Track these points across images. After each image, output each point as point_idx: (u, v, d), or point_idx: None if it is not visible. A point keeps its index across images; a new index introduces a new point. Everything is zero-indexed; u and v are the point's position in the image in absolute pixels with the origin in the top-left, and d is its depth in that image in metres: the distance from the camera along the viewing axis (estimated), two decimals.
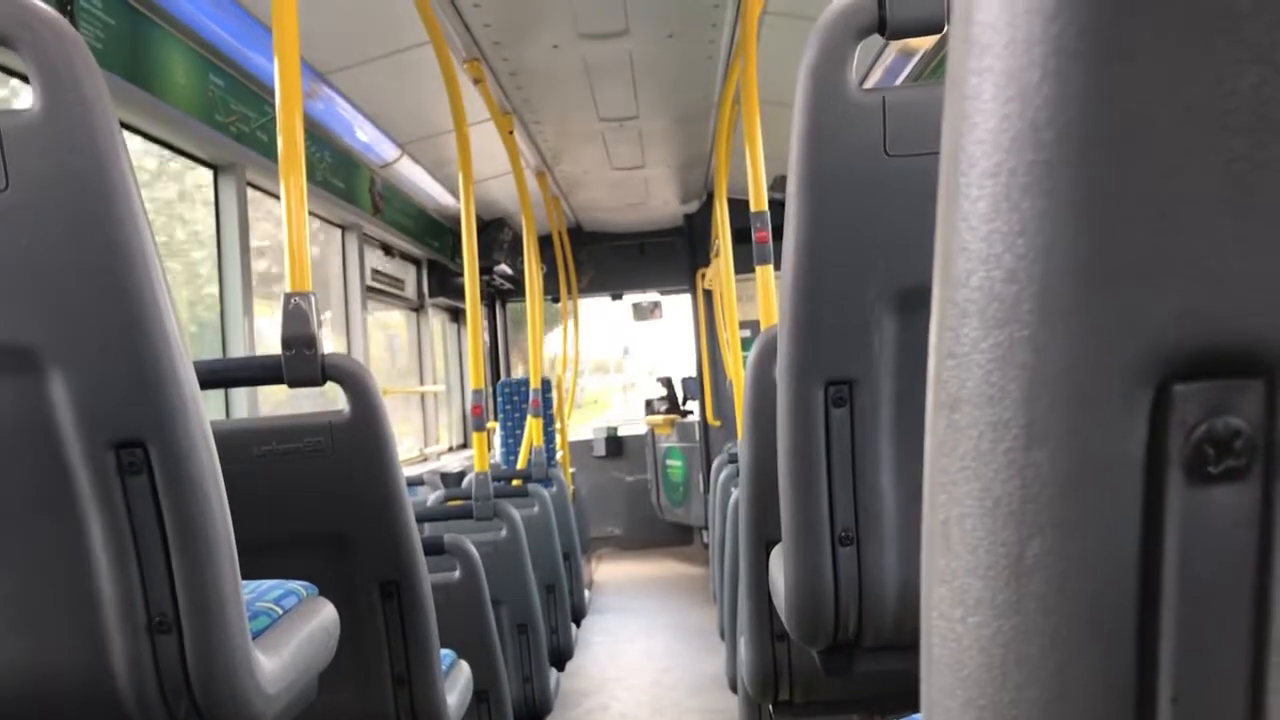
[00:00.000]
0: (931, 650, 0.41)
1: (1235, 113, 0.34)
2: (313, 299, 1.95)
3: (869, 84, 4.07)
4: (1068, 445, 0.36)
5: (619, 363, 13.02)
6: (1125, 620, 0.37)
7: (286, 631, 1.47)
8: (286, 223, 2.03)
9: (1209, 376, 0.35)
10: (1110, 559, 0.37)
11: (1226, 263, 0.34)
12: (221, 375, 2.14)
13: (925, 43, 3.65)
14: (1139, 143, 0.34)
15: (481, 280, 7.28)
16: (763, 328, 2.97)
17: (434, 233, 6.96)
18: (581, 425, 9.80)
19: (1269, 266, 0.34)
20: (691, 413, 9.02)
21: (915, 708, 1.20)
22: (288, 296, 1.95)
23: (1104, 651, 0.37)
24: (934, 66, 3.77)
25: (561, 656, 4.63)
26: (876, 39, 1.31)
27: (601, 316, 10.01)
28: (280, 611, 1.50)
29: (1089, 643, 0.37)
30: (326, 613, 1.63)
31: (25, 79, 1.17)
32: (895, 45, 3.76)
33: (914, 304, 1.32)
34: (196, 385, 1.24)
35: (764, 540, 2.02)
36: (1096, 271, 0.35)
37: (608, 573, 8.38)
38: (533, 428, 5.58)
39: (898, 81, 4.02)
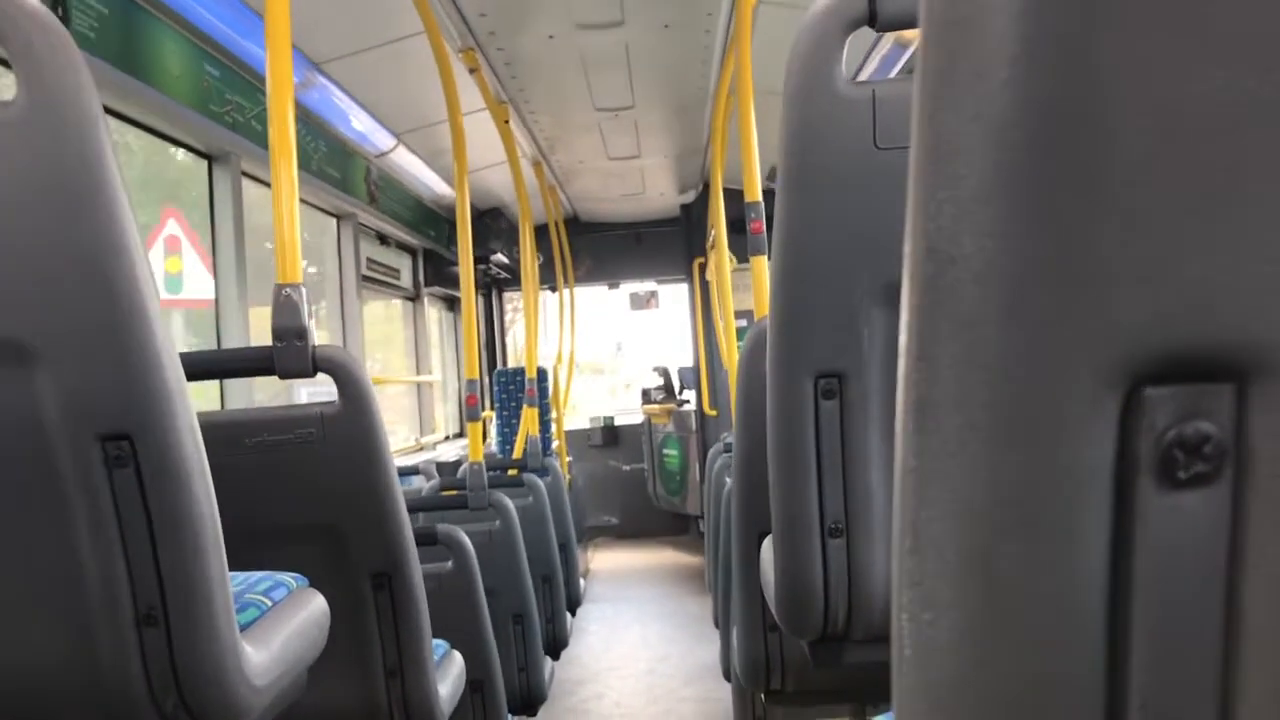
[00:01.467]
0: (902, 652, 0.40)
1: (1204, 115, 0.33)
2: (303, 290, 1.95)
3: (864, 75, 4.07)
4: (1037, 449, 0.36)
5: (612, 366, 12.33)
6: (1094, 624, 0.37)
7: (276, 624, 1.47)
8: (276, 213, 2.03)
9: (1179, 380, 0.35)
10: (1080, 563, 0.36)
11: (1197, 267, 0.34)
12: (211, 367, 2.14)
13: (918, 33, 3.63)
14: (1108, 145, 0.34)
15: (477, 270, 7.27)
16: (756, 318, 2.97)
17: (430, 222, 6.95)
18: (577, 415, 9.79)
19: (1239, 271, 0.34)
20: (688, 402, 9.02)
21: None
22: (278, 288, 1.95)
23: (1073, 655, 0.37)
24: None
25: (557, 646, 4.63)
26: (869, 30, 1.31)
27: (592, 309, 9.96)
28: (269, 603, 1.49)
29: (1058, 646, 0.37)
30: (316, 604, 1.63)
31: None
32: (890, 35, 3.75)
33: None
34: (183, 377, 1.23)
35: (755, 531, 2.02)
36: (1066, 274, 0.35)
37: (604, 562, 8.39)
38: (528, 417, 5.58)
39: (893, 72, 4.01)
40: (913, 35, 3.67)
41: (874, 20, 1.27)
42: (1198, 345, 0.35)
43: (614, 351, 11.93)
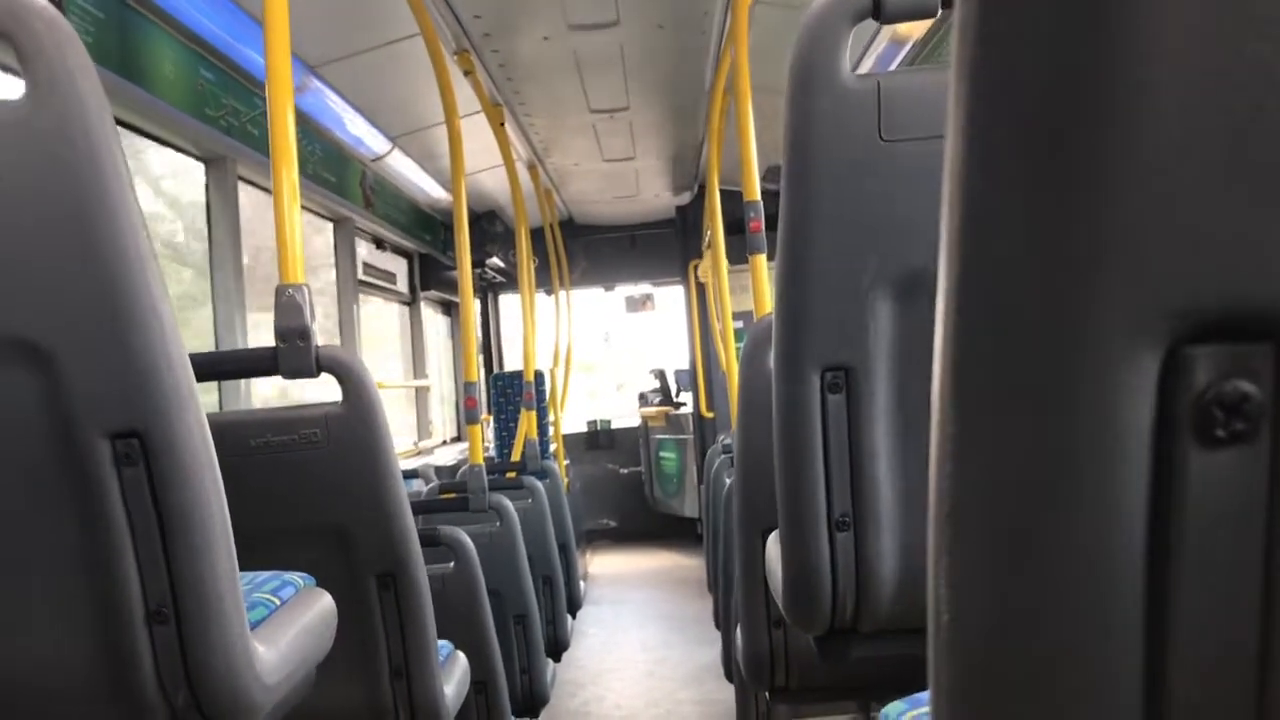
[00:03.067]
0: (939, 619, 0.41)
1: (1245, 84, 0.34)
2: (306, 291, 1.95)
3: (864, 67, 4.08)
4: (1076, 410, 0.36)
5: (601, 363, 11.43)
6: (1133, 585, 0.37)
7: (284, 622, 1.47)
8: (277, 216, 2.03)
9: (1219, 340, 0.35)
10: (1118, 523, 0.37)
11: (1235, 227, 0.34)
12: (215, 367, 2.14)
13: (916, 30, 3.64)
14: (1148, 112, 0.34)
15: (474, 273, 7.28)
16: (756, 317, 2.97)
17: (426, 226, 6.95)
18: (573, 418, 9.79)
19: (1275, 228, 0.34)
20: (685, 405, 9.02)
21: (911, 692, 1.20)
22: (281, 289, 1.95)
23: (1111, 617, 0.37)
24: (926, 53, 3.77)
25: (558, 648, 4.63)
26: (868, 27, 1.31)
27: (588, 312, 9.90)
28: (278, 602, 1.49)
29: (1096, 609, 0.37)
30: (324, 603, 1.63)
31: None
32: (886, 33, 3.76)
33: (910, 289, 1.32)
34: (192, 375, 1.23)
35: (758, 527, 2.02)
36: (1104, 237, 0.35)
37: (603, 565, 8.39)
38: (526, 420, 5.57)
39: (891, 67, 4.02)
40: (909, 30, 3.69)
41: (878, 12, 1.28)
42: (1237, 304, 0.35)
43: (602, 343, 10.96)
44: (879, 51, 4.00)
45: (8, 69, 2.71)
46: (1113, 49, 0.34)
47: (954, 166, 0.38)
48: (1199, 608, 0.37)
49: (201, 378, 1.42)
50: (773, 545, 1.71)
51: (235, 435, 1.92)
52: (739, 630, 2.28)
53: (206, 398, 3.81)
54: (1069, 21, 0.35)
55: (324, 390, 2.03)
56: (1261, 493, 0.36)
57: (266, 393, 4.29)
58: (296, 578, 1.61)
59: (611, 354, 11.54)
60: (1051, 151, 0.35)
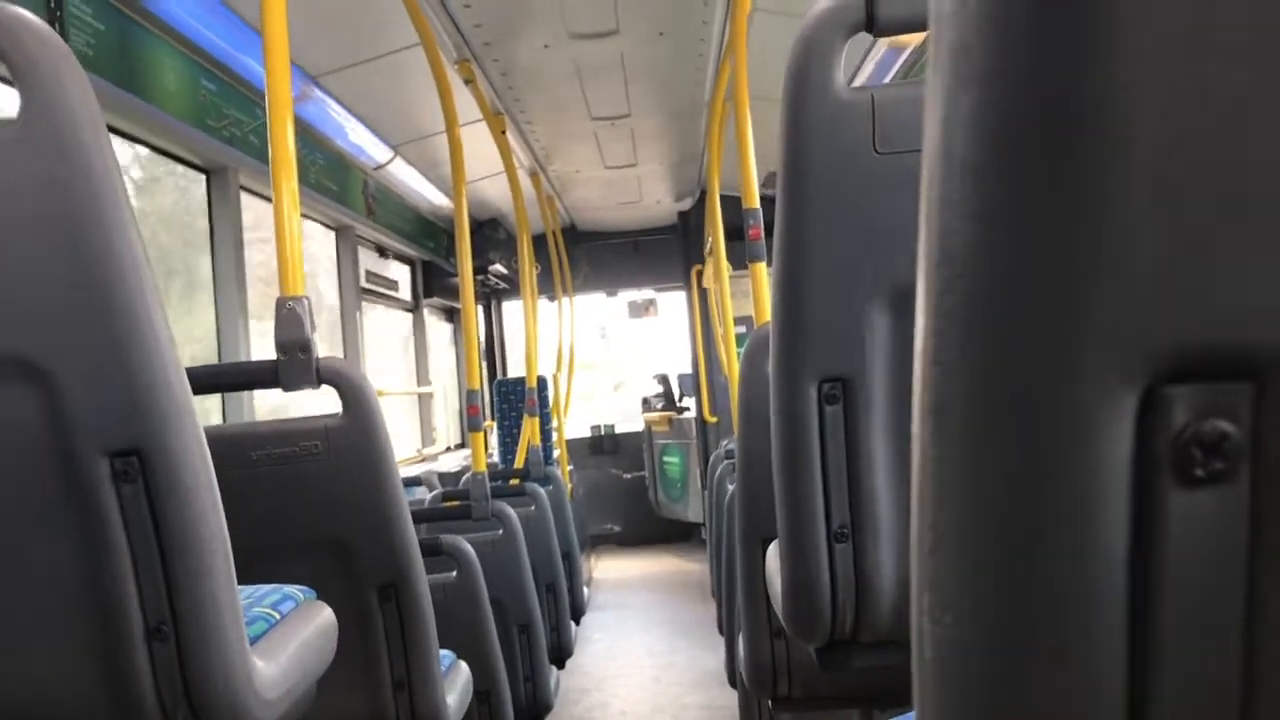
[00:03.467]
0: (923, 655, 0.41)
1: (1223, 115, 0.34)
2: (306, 303, 1.95)
3: (860, 79, 4.08)
4: (1056, 450, 0.36)
5: (591, 363, 10.59)
6: (1116, 624, 0.37)
7: (284, 636, 1.47)
8: (277, 227, 2.03)
9: (1197, 379, 0.35)
10: (1099, 562, 0.37)
11: (1214, 266, 0.34)
12: (216, 380, 2.14)
13: (915, 38, 3.65)
14: (1123, 146, 0.34)
15: (476, 280, 7.29)
16: (756, 324, 2.97)
17: (428, 234, 6.96)
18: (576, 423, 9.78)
19: (1258, 268, 0.34)
20: (688, 409, 9.02)
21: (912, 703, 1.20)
22: (281, 300, 1.95)
23: (1095, 656, 0.37)
24: (925, 60, 3.77)
25: (561, 655, 4.63)
26: (864, 36, 1.31)
27: (590, 317, 9.83)
28: (278, 616, 1.49)
29: (1080, 647, 0.37)
30: (324, 617, 1.63)
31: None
32: (885, 40, 3.76)
33: (906, 301, 1.32)
34: (189, 391, 1.23)
35: (759, 536, 2.02)
36: (1082, 275, 0.35)
37: (607, 570, 8.39)
38: (529, 427, 5.58)
39: (889, 75, 4.02)
40: (908, 40, 3.69)
41: (872, 25, 1.28)
42: (1215, 344, 0.35)
43: (599, 340, 10.68)
44: (878, 58, 4.00)
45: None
46: (1087, 82, 0.34)
47: (927, 201, 0.38)
48: (1181, 646, 0.37)
49: (202, 390, 1.43)
50: (772, 556, 1.71)
51: (235, 448, 1.92)
52: (741, 639, 2.28)
53: (209, 404, 3.82)
54: (1044, 55, 0.35)
55: (329, 399, 2.03)
56: (1242, 532, 0.36)
57: (275, 401, 4.29)
58: (296, 591, 1.61)
59: (609, 352, 11.35)
60: (1025, 188, 0.35)
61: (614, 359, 11.54)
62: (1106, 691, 0.37)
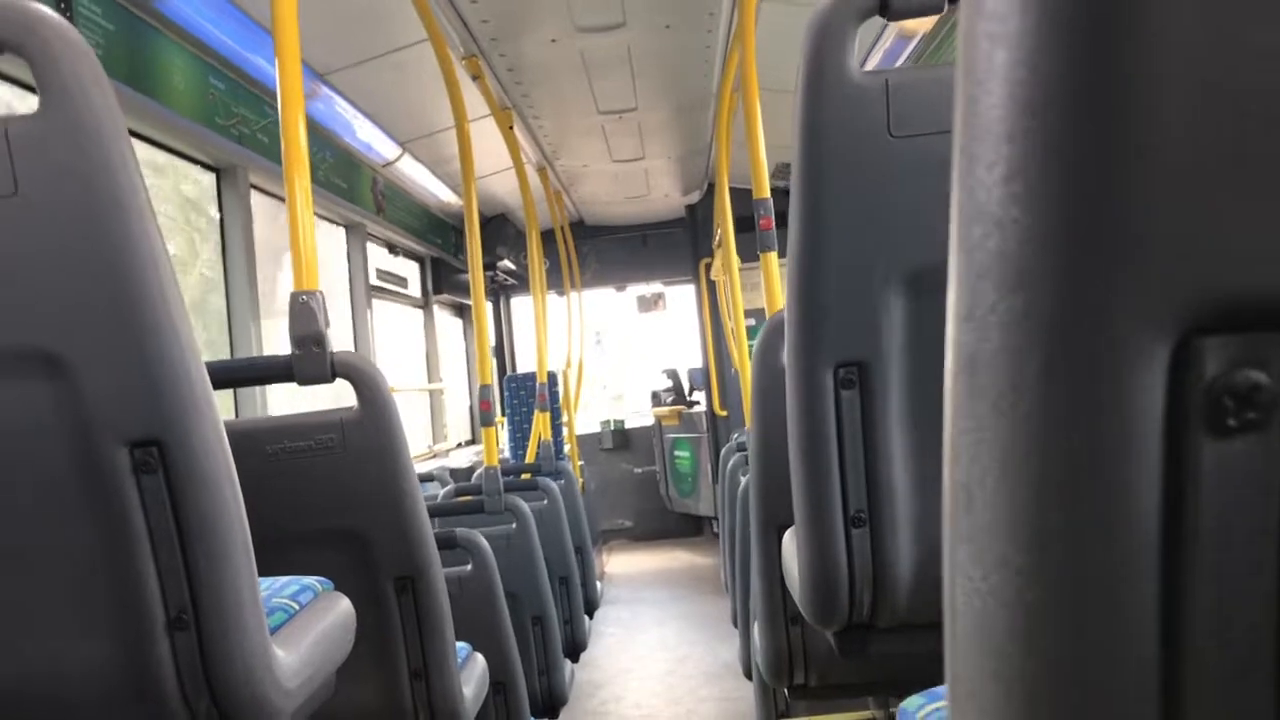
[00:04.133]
0: (955, 610, 0.41)
1: (1255, 73, 0.34)
2: (320, 297, 1.96)
3: (869, 67, 4.08)
4: (1088, 402, 0.36)
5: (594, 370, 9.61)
6: (1148, 575, 0.37)
7: (304, 627, 1.48)
8: (291, 223, 2.04)
9: (1228, 330, 0.35)
10: (1132, 514, 0.37)
11: (1243, 215, 0.35)
12: (232, 375, 2.15)
13: (924, 25, 3.64)
14: (1156, 109, 0.34)
15: (485, 276, 7.29)
16: (768, 315, 2.97)
17: (437, 230, 6.97)
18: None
19: None
20: (698, 403, 9.03)
21: (930, 686, 1.20)
22: (295, 295, 1.96)
23: (1127, 608, 0.37)
24: (934, 49, 3.77)
25: (575, 648, 4.64)
26: (875, 23, 1.31)
27: (598, 313, 9.68)
28: (297, 607, 1.50)
29: (1112, 599, 0.37)
30: (343, 607, 1.64)
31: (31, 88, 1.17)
32: (893, 28, 3.76)
33: (922, 284, 1.32)
34: (209, 383, 1.24)
35: (774, 524, 2.03)
36: (1113, 229, 0.35)
37: (619, 564, 8.40)
38: (540, 422, 5.58)
39: (898, 63, 4.02)
40: (916, 27, 3.69)
41: (885, 9, 1.28)
42: (1247, 295, 0.35)
43: (593, 346, 9.84)
44: (887, 46, 4.00)
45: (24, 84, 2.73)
46: (1117, 41, 0.34)
47: (959, 162, 0.39)
48: (1214, 598, 0.37)
49: (218, 385, 1.43)
50: (789, 542, 1.71)
51: (252, 441, 1.93)
52: (757, 628, 2.28)
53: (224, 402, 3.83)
54: (1073, 18, 0.35)
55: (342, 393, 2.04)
56: (1275, 481, 0.36)
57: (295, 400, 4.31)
58: (315, 582, 1.62)
59: (606, 359, 10.71)
60: (1055, 144, 0.36)
61: (613, 364, 11.05)
62: (1141, 643, 0.38)
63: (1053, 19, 0.35)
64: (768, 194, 3.13)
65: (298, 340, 1.92)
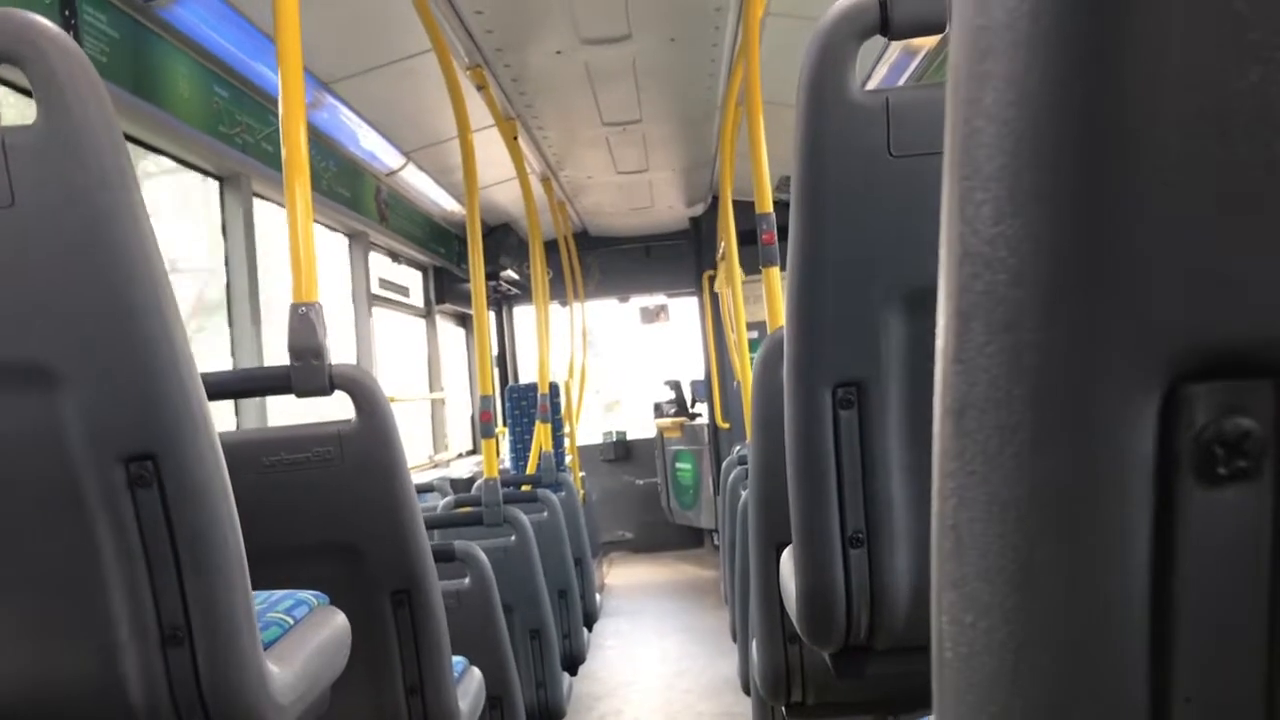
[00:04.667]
0: (943, 655, 0.40)
1: (1239, 114, 0.33)
2: (319, 309, 1.95)
3: (873, 81, 4.08)
4: (1077, 449, 0.36)
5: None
6: (1138, 623, 0.37)
7: (298, 642, 1.47)
8: (291, 233, 2.04)
9: (1217, 377, 0.35)
10: (1121, 561, 0.36)
11: (1232, 263, 0.34)
12: (230, 387, 2.14)
13: (928, 42, 3.64)
14: (1143, 146, 0.34)
15: (488, 286, 7.29)
16: (769, 330, 2.96)
17: (440, 239, 6.97)
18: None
19: (1275, 265, 0.34)
20: (700, 415, 9.02)
21: (929, 709, 1.19)
22: (294, 307, 1.95)
23: (1117, 655, 0.37)
24: (939, 64, 3.77)
25: (574, 661, 4.63)
26: (879, 38, 1.31)
27: (601, 324, 9.64)
28: (292, 622, 1.49)
29: (1101, 646, 0.37)
30: (338, 622, 1.63)
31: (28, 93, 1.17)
32: (899, 43, 3.76)
33: (921, 305, 1.31)
34: (204, 397, 1.24)
35: (773, 542, 2.02)
36: (1103, 274, 0.35)
37: (619, 577, 8.38)
38: (541, 433, 5.58)
39: (903, 78, 4.02)
40: (922, 42, 3.68)
41: (886, 28, 1.27)
42: (1236, 342, 0.35)
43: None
44: (892, 60, 4.00)
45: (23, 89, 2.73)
46: (1107, 87, 0.34)
47: (948, 199, 0.38)
48: (1203, 645, 0.36)
49: (216, 397, 1.43)
50: (787, 561, 1.70)
51: (249, 454, 1.93)
52: (755, 645, 2.27)
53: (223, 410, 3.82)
54: (1063, 62, 0.34)
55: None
56: (1266, 530, 0.35)
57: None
58: (310, 596, 1.61)
59: (598, 362, 10.12)
60: (1044, 189, 0.35)
61: (607, 369, 10.72)
62: (1129, 691, 0.37)
63: (1044, 62, 0.34)
64: (770, 209, 3.12)
65: (296, 352, 1.91)
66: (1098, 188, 0.34)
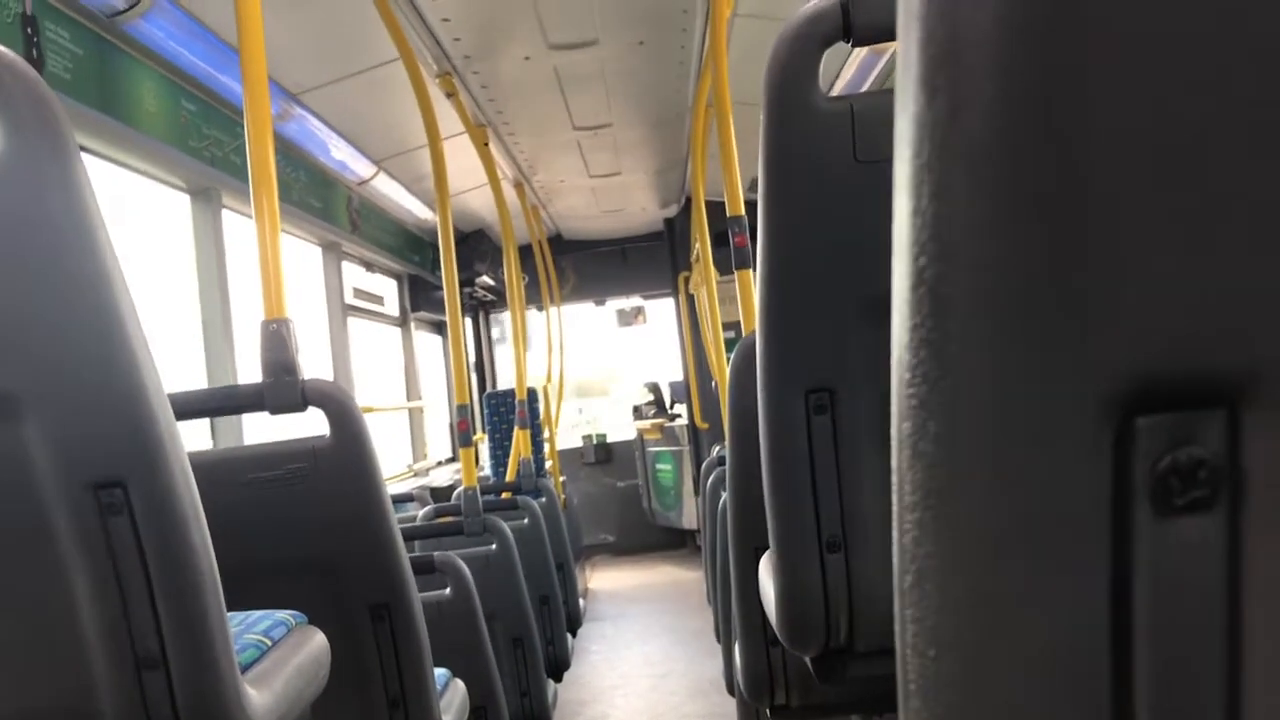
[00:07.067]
0: (907, 687, 0.40)
1: (1189, 145, 0.33)
2: (291, 325, 1.94)
3: (840, 83, 4.08)
4: (1033, 482, 0.36)
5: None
6: (1098, 654, 0.37)
7: (277, 663, 1.46)
8: (260, 247, 2.02)
9: (1171, 408, 0.35)
10: (1081, 594, 0.36)
11: (1182, 296, 0.34)
12: (202, 406, 2.12)
13: (894, 45, 3.65)
14: (1091, 177, 0.34)
15: (463, 292, 7.25)
16: (744, 331, 2.96)
17: (414, 247, 6.95)
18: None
19: (1224, 296, 0.34)
20: (679, 416, 9.02)
21: None
22: (265, 323, 1.94)
23: (1078, 685, 0.37)
24: None
25: (559, 668, 4.62)
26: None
27: (579, 328, 9.67)
28: (269, 643, 1.48)
29: (1062, 678, 0.37)
30: (317, 641, 1.62)
31: None
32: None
33: (889, 311, 1.32)
34: (174, 421, 1.23)
35: (753, 546, 2.02)
36: (1051, 308, 0.35)
37: (602, 581, 8.37)
38: (520, 439, 5.56)
39: (869, 78, 4.03)
40: (886, 45, 3.69)
41: (849, 35, 1.27)
42: (1187, 373, 0.35)
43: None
44: (859, 61, 4.01)
45: None
46: (1054, 101, 0.34)
47: (898, 231, 0.38)
48: (1163, 674, 0.36)
49: (188, 416, 1.42)
50: (765, 566, 1.70)
51: (222, 472, 1.91)
52: (737, 647, 2.27)
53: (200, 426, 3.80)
54: (1013, 72, 0.34)
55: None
56: (1222, 558, 0.35)
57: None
58: (288, 616, 1.60)
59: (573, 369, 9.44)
60: (993, 225, 0.35)
61: (579, 377, 10.26)
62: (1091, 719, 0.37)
63: (987, 75, 0.34)
64: (742, 211, 3.12)
65: (269, 368, 1.90)
66: (1043, 221, 0.34)
